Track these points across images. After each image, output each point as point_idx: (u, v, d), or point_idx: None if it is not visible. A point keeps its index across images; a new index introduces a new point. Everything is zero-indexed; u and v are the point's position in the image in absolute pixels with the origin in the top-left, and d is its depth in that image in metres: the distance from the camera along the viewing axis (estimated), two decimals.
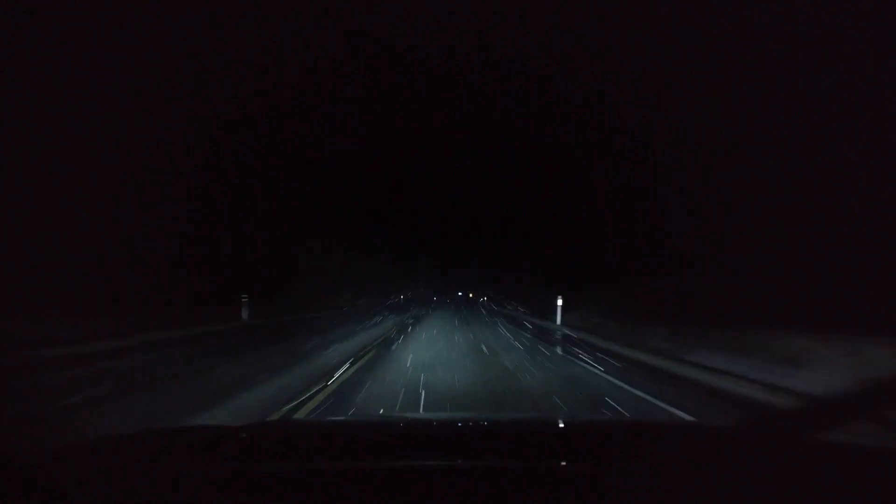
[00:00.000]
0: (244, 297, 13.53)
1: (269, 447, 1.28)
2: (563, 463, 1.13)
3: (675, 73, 11.18)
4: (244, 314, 13.45)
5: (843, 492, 0.97)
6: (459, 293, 77.95)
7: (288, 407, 4.17)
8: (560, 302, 15.44)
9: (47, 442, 3.17)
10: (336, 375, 5.67)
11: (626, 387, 5.42)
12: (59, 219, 9.26)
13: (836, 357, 5.63)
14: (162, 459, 1.11)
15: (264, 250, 19.26)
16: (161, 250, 12.54)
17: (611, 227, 18.09)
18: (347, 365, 6.46)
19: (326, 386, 5.06)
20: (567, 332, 12.96)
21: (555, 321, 15.43)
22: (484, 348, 8.73)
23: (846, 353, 5.58)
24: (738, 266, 9.89)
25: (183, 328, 10.43)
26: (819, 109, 7.81)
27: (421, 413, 3.95)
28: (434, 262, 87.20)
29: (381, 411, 4.14)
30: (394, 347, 8.73)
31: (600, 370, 6.54)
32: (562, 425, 1.79)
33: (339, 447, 1.28)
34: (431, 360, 7.01)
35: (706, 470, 1.10)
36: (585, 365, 7.00)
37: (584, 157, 19.20)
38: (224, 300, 13.76)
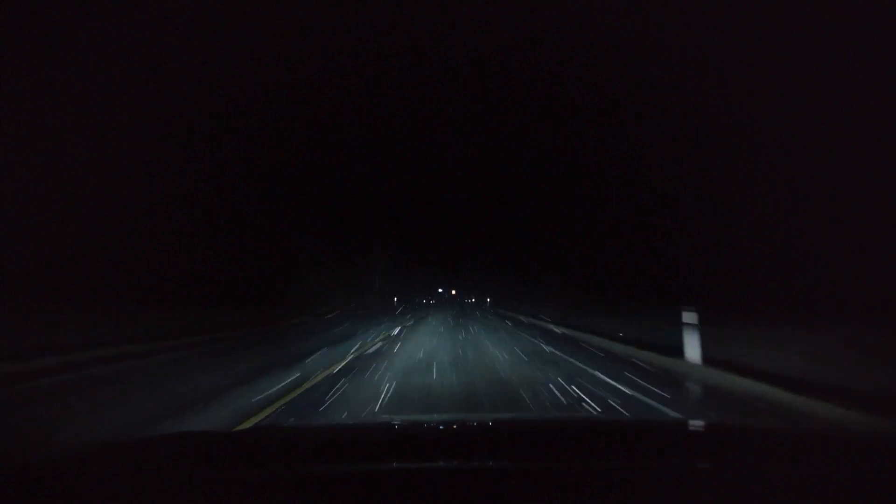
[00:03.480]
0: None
1: (263, 452, 1.28)
2: (558, 463, 1.12)
3: (685, 74, 11.22)
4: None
5: (839, 483, 0.97)
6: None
7: None
8: None
9: (42, 449, 3.16)
10: None
11: None
12: (59, 222, 9.27)
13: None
14: (155, 466, 1.11)
15: (264, 253, 19.01)
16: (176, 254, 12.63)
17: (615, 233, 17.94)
18: None
19: None
20: None
21: None
22: None
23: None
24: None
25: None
26: (839, 102, 7.82)
27: (415, 415, 3.95)
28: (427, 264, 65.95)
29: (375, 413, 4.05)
30: None
31: None
32: (556, 425, 1.80)
33: (333, 451, 1.28)
34: None
35: (704, 467, 1.09)
36: None
37: (590, 159, 19.17)
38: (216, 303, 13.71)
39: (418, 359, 7.09)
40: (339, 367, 6.27)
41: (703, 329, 6.01)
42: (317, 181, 25.51)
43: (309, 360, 6.86)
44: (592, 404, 4.29)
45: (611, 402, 4.38)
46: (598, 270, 18.28)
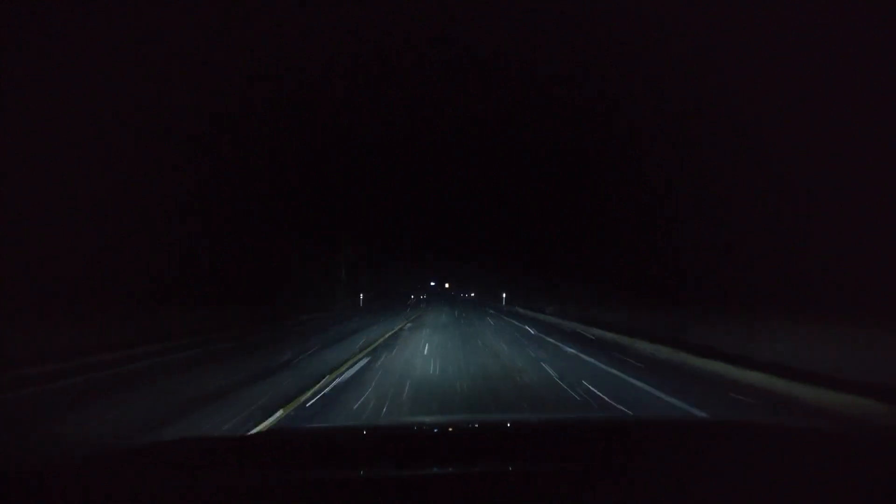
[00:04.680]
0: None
1: (264, 456, 1.27)
2: (558, 465, 1.11)
3: (686, 71, 11.18)
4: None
5: (853, 483, 0.96)
6: None
7: None
8: None
9: (50, 453, 3.15)
10: None
11: None
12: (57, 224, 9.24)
13: None
14: (157, 471, 1.11)
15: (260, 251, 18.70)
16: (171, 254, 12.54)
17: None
18: None
19: None
20: None
21: None
22: None
23: None
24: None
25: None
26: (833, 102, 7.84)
27: (420, 418, 3.94)
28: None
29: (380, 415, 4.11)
30: None
31: None
32: (557, 425, 1.78)
33: (338, 455, 1.27)
34: None
35: (708, 466, 1.08)
36: None
37: (586, 157, 19.01)
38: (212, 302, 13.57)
39: None
40: None
41: None
42: (305, 168, 22.11)
43: None
44: None
45: None
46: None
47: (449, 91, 26.63)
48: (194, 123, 13.34)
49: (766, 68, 9.19)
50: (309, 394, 5.39)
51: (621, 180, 16.31)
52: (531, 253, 28.95)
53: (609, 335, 12.30)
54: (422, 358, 8.34)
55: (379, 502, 0.92)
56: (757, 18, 9.05)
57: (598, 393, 5.60)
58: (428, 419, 2.93)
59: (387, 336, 12.29)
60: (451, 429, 1.69)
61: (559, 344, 10.92)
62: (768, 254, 9.05)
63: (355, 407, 4.85)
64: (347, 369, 7.08)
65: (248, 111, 16.17)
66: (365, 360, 7.93)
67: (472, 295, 62.17)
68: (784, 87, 8.93)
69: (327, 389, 5.68)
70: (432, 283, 65.41)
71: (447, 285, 66.37)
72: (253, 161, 17.39)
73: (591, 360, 8.42)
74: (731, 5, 9.57)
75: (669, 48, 11.50)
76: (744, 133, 10.00)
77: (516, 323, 17.93)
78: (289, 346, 9.69)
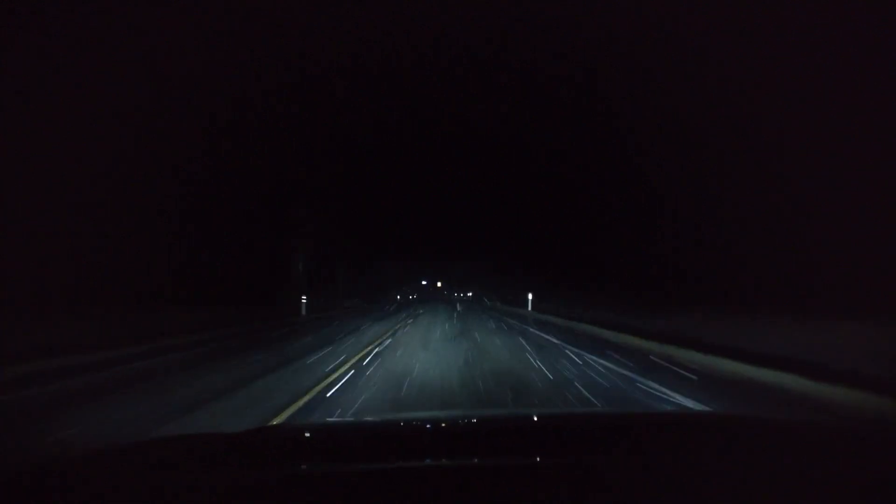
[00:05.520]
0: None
1: (268, 453, 1.26)
2: (565, 460, 1.11)
3: (684, 71, 11.19)
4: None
5: (855, 479, 0.95)
6: None
7: None
8: None
9: (48, 451, 3.13)
10: None
11: None
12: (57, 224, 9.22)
13: None
14: (163, 469, 1.10)
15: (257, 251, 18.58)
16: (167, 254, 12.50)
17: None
18: None
19: None
20: None
21: None
22: None
23: None
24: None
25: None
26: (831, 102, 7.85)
27: (420, 413, 3.93)
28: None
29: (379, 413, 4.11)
30: None
31: None
32: (563, 420, 1.76)
33: (337, 451, 1.26)
34: None
35: (708, 463, 1.07)
36: None
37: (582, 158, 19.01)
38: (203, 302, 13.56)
39: None
40: None
41: None
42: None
43: None
44: None
45: None
46: None
47: (449, 91, 26.62)
48: (194, 123, 13.29)
49: (765, 68, 9.24)
50: None
51: (621, 179, 16.31)
52: (534, 252, 27.97)
53: None
54: None
55: (375, 497, 0.91)
56: (757, 18, 9.08)
57: None
58: (426, 414, 2.92)
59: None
60: (443, 424, 1.68)
61: None
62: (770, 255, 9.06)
63: None
64: None
65: (248, 111, 16.13)
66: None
67: (470, 295, 58.73)
68: (783, 87, 8.96)
69: None
70: (424, 283, 58.96)
71: (439, 284, 60.80)
72: (253, 161, 17.32)
73: None
74: (731, 5, 9.60)
75: (669, 48, 11.52)
76: (744, 133, 10.00)
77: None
78: None
